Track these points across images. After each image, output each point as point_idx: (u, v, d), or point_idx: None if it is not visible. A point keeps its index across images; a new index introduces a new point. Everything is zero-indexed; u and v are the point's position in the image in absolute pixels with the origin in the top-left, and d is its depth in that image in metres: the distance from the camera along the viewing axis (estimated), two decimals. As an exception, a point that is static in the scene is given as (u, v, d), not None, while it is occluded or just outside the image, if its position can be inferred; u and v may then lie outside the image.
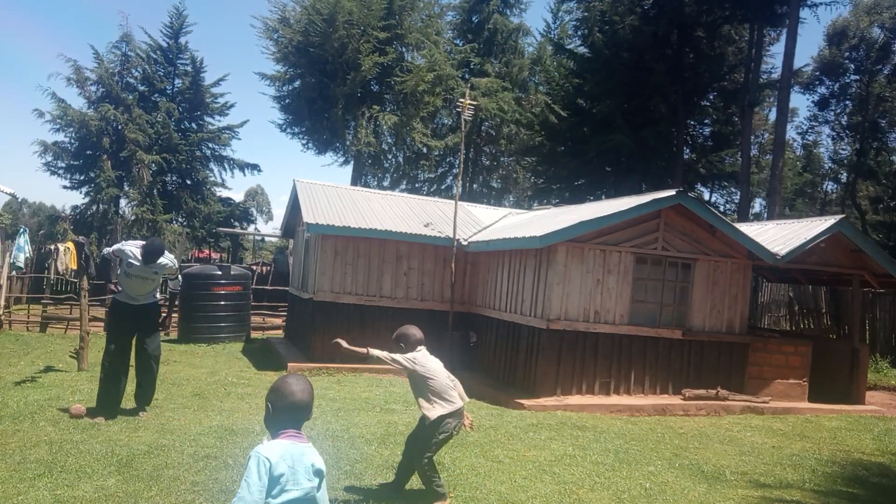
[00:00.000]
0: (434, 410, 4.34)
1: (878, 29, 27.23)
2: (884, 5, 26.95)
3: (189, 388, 7.99)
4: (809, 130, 32.87)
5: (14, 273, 10.02)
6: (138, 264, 6.68)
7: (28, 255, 10.07)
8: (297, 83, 23.63)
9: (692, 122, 23.77)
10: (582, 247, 8.72)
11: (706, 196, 26.47)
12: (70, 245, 9.36)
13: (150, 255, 6.65)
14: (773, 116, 30.17)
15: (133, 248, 6.79)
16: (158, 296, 7.23)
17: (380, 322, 10.88)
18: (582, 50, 23.99)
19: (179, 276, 7.97)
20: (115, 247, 6.97)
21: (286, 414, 2.65)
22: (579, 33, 24.70)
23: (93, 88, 22.97)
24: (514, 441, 6.29)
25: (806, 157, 35.00)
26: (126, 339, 6.73)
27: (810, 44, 70.56)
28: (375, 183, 26.44)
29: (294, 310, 13.46)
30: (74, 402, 6.75)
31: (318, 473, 2.58)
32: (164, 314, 7.82)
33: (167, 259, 6.88)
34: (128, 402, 6.72)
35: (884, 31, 26.96)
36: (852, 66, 28.59)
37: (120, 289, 6.93)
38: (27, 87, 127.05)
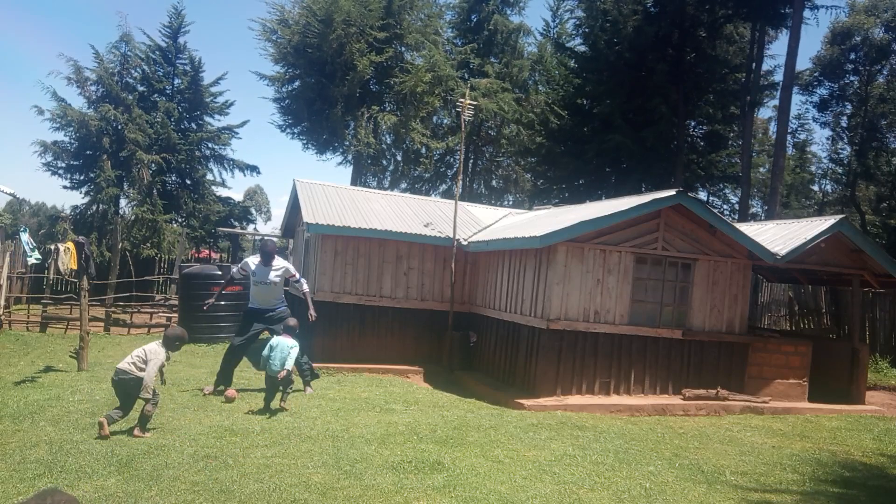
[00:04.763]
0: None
1: (879, 29, 27.14)
2: (881, 6, 26.87)
3: (189, 387, 7.99)
4: (799, 129, 32.79)
5: (34, 261, 10.15)
6: (260, 268, 7.83)
7: (34, 246, 10.08)
8: (296, 84, 23.58)
9: (692, 123, 23.75)
10: (582, 247, 8.72)
11: (705, 196, 26.45)
12: (70, 245, 9.33)
13: (266, 254, 7.81)
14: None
15: (254, 258, 8.03)
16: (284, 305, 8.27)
17: (380, 322, 10.90)
18: (582, 49, 23.96)
19: (303, 280, 8.48)
20: (241, 263, 8.15)
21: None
22: (580, 32, 24.65)
23: (93, 88, 22.91)
24: (514, 441, 6.29)
25: (799, 156, 34.92)
26: (251, 337, 7.97)
27: (808, 46, 70.42)
28: (375, 183, 26.41)
29: (293, 310, 13.43)
30: (75, 401, 6.77)
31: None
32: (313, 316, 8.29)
33: (282, 262, 7.98)
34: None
35: (885, 30, 26.88)
36: (851, 66, 28.53)
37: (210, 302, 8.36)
38: (27, 88, 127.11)
